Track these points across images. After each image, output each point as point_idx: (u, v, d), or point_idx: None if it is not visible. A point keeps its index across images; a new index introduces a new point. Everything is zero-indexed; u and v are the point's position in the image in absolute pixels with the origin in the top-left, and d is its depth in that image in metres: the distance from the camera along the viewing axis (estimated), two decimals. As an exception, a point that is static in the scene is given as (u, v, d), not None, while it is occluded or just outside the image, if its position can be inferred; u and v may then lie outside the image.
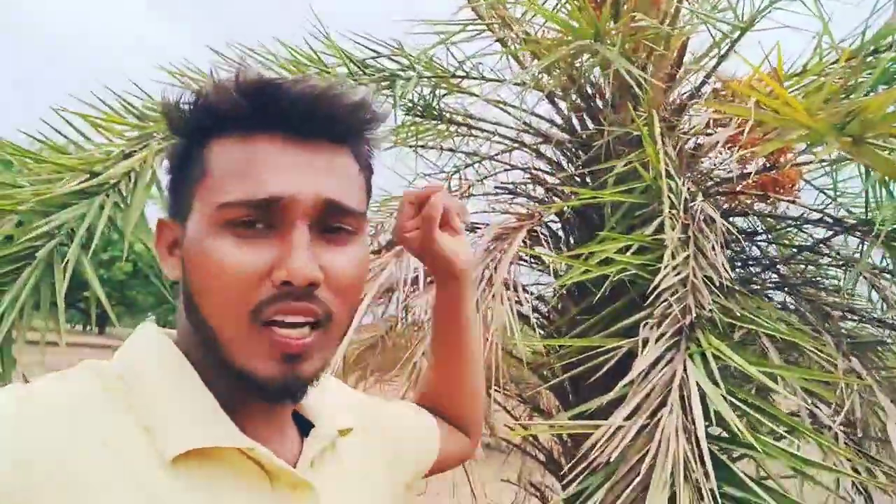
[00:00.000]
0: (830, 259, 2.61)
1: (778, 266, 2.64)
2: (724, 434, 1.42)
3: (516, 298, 2.15)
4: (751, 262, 2.66)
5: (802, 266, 2.74)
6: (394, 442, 0.73)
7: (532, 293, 2.80)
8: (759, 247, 2.70)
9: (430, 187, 0.72)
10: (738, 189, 2.77)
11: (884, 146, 1.63)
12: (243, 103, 0.52)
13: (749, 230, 2.73)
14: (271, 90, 0.51)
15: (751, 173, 2.65)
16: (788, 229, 2.74)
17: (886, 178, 2.06)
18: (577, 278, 1.72)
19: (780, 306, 2.40)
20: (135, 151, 2.39)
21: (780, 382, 1.62)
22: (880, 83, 2.10)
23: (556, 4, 2.73)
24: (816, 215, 2.48)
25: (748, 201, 2.80)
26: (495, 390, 2.19)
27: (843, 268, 2.59)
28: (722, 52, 2.70)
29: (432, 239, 0.71)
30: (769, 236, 2.71)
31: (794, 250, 2.68)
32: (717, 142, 2.02)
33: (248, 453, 0.52)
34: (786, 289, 2.47)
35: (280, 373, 0.51)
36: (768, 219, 2.68)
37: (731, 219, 2.84)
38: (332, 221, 0.54)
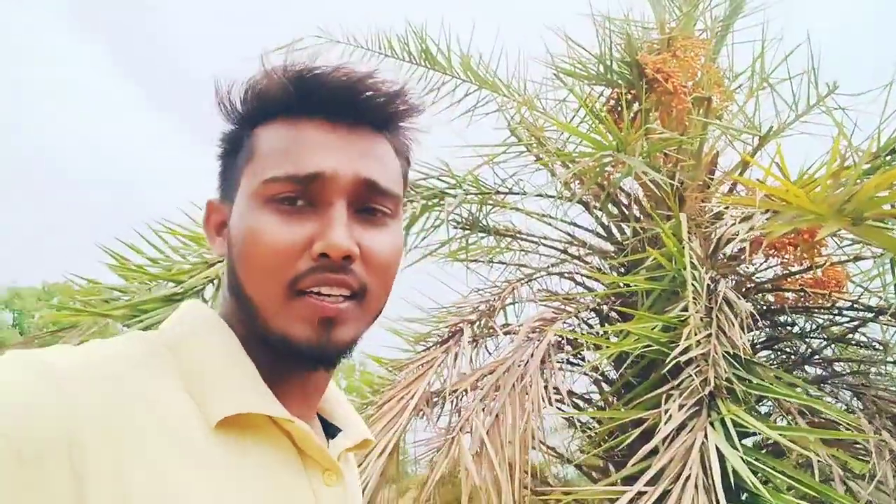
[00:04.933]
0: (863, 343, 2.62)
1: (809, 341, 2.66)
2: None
3: (554, 385, 2.27)
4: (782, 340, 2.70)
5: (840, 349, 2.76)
6: None
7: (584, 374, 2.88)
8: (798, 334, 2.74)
9: None
10: (781, 287, 2.88)
11: (884, 226, 1.75)
12: (290, 89, 0.55)
13: (789, 322, 2.79)
14: (315, 77, 0.55)
15: (790, 273, 2.79)
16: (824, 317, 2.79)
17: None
18: (606, 354, 1.85)
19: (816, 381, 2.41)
20: (219, 261, 2.75)
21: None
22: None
23: (580, 122, 3.05)
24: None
25: (791, 296, 2.89)
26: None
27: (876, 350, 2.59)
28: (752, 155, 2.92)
29: None
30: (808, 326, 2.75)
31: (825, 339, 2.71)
32: (738, 232, 2.17)
33: (286, 426, 0.53)
34: (819, 362, 2.49)
35: (316, 337, 0.53)
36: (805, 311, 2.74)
37: (773, 314, 2.91)
38: (369, 202, 0.56)
